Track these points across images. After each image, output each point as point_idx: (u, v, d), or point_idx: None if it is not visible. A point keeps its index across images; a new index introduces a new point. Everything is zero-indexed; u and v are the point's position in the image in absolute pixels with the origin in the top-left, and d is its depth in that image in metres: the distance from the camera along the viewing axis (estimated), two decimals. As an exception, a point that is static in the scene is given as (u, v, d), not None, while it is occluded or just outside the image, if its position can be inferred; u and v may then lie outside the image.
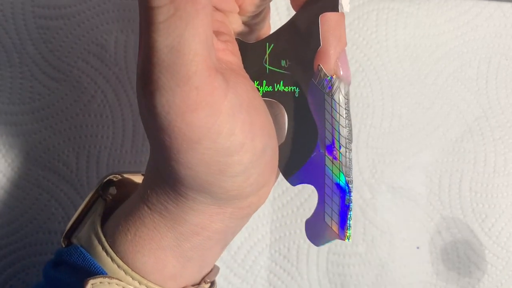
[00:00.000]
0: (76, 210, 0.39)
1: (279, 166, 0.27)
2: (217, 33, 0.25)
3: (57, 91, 0.40)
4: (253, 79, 0.26)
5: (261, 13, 0.28)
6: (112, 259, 0.25)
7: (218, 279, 0.39)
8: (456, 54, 0.41)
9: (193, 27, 0.21)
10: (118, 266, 0.25)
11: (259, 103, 0.25)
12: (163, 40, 0.21)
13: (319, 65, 0.25)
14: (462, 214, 0.40)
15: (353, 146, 0.40)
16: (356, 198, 0.40)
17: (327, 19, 0.25)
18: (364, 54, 0.40)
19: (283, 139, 0.27)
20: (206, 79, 0.21)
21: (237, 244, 0.40)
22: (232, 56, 0.25)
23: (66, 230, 0.28)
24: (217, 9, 0.26)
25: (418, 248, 0.40)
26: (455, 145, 0.40)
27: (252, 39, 0.28)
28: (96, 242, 0.26)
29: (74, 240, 0.28)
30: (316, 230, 0.26)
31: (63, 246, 0.28)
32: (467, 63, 0.41)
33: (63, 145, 0.40)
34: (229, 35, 0.25)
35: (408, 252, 0.40)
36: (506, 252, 0.39)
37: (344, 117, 0.25)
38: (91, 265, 0.25)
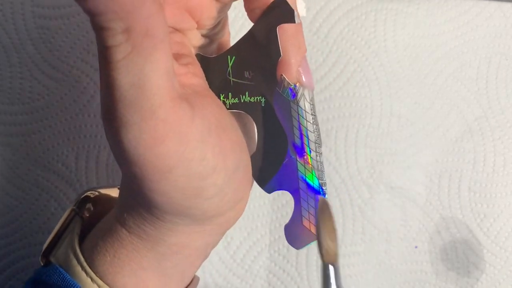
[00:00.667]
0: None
1: (253, 176, 0.27)
2: (177, 56, 0.24)
3: (56, 91, 0.40)
4: (218, 92, 0.26)
5: (219, 23, 0.28)
6: (92, 279, 0.25)
7: (218, 279, 0.39)
8: (456, 54, 0.41)
9: (152, 61, 0.20)
10: (99, 286, 0.25)
11: (228, 121, 0.25)
12: (123, 77, 0.20)
13: (282, 74, 0.25)
14: (461, 214, 0.40)
15: (351, 146, 0.40)
16: (355, 198, 0.40)
17: (285, 30, 0.24)
18: (362, 55, 0.40)
19: (254, 149, 0.27)
20: (171, 109, 0.21)
21: (236, 243, 0.40)
22: (195, 78, 0.24)
23: (44, 248, 0.28)
24: (174, 29, 0.25)
25: (416, 247, 0.40)
26: (455, 145, 0.40)
27: (213, 49, 0.28)
28: (74, 261, 0.26)
29: (52, 259, 0.27)
30: (295, 234, 0.27)
31: (42, 264, 0.28)
32: (467, 63, 0.41)
33: (62, 145, 0.40)
34: (189, 56, 0.25)
35: (406, 251, 0.40)
36: (505, 251, 0.39)
37: (311, 122, 0.25)
38: (71, 285, 0.25)
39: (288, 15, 0.24)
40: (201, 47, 0.27)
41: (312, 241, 0.27)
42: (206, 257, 0.28)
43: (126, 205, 0.26)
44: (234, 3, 0.27)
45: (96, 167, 0.40)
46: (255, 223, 0.40)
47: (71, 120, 0.40)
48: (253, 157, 0.27)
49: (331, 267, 0.24)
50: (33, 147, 0.40)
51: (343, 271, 0.40)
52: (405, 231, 0.40)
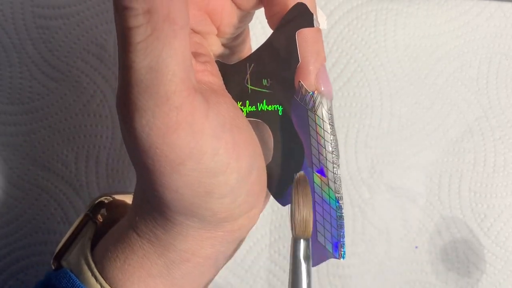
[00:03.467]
0: (75, 211, 0.39)
1: (268, 187, 0.26)
2: (195, 55, 0.24)
3: (56, 91, 0.40)
4: (236, 99, 0.26)
5: (240, 35, 0.28)
6: (102, 286, 0.25)
7: (217, 279, 0.39)
8: (456, 54, 0.41)
9: (171, 47, 0.20)
10: None
11: (243, 122, 0.25)
12: (141, 60, 0.20)
13: (300, 81, 0.25)
14: (462, 214, 0.40)
15: (351, 146, 0.40)
16: (355, 198, 0.40)
17: (304, 36, 0.24)
18: (362, 54, 0.40)
19: (270, 159, 0.26)
20: (185, 99, 0.21)
21: (236, 244, 0.40)
22: (212, 77, 0.24)
23: (56, 252, 0.28)
24: (194, 31, 0.25)
25: (416, 247, 0.40)
26: (455, 145, 0.40)
27: (234, 61, 0.28)
28: (85, 267, 0.26)
29: (64, 263, 0.27)
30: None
31: (53, 268, 0.28)
32: (468, 63, 0.41)
33: (62, 145, 0.40)
34: (208, 56, 0.25)
35: (406, 252, 0.40)
36: (505, 251, 0.39)
37: (329, 132, 0.25)
38: None
39: (307, 18, 0.24)
40: (221, 56, 0.27)
41: (328, 258, 0.25)
42: (217, 269, 0.27)
43: (138, 208, 0.25)
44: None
45: (96, 167, 0.40)
46: (255, 223, 0.40)
47: (71, 120, 0.40)
48: (268, 167, 0.26)
49: (302, 242, 0.23)
50: (33, 147, 0.40)
51: (343, 271, 0.40)
52: (405, 231, 0.40)
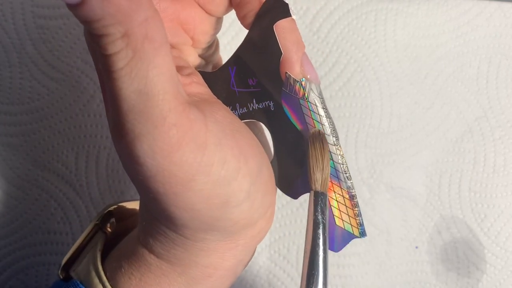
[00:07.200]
0: (75, 211, 0.39)
1: (276, 183, 0.26)
2: (178, 69, 0.24)
3: (56, 91, 0.40)
4: (225, 105, 0.26)
5: (213, 44, 0.28)
6: None
7: (217, 279, 0.39)
8: (456, 54, 0.41)
9: (155, 66, 0.20)
10: None
11: (240, 125, 0.24)
12: (128, 86, 0.20)
13: (286, 72, 0.24)
14: (462, 214, 0.40)
15: (351, 146, 0.40)
16: (355, 198, 0.40)
17: (281, 28, 0.24)
18: (363, 55, 0.40)
19: (271, 157, 0.26)
20: (181, 114, 0.21)
21: (236, 244, 0.40)
22: (200, 87, 0.24)
23: (64, 261, 0.28)
24: (170, 45, 0.25)
25: (416, 247, 0.40)
26: (455, 145, 0.40)
27: (209, 70, 0.28)
28: (96, 280, 0.25)
29: (73, 274, 0.27)
30: (331, 236, 0.26)
31: (61, 277, 0.27)
32: (467, 63, 0.41)
33: (62, 145, 0.40)
34: (189, 68, 0.25)
35: (407, 252, 0.40)
36: (505, 252, 0.39)
37: (324, 116, 0.25)
38: None
39: (283, 9, 0.24)
40: (198, 67, 0.27)
41: (349, 239, 0.25)
42: (236, 278, 0.27)
43: (149, 228, 0.25)
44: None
45: (96, 167, 0.40)
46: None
47: (71, 120, 0.40)
48: (271, 164, 0.26)
49: (320, 195, 0.24)
50: (33, 147, 0.40)
51: (343, 271, 0.40)
52: (406, 231, 0.40)
